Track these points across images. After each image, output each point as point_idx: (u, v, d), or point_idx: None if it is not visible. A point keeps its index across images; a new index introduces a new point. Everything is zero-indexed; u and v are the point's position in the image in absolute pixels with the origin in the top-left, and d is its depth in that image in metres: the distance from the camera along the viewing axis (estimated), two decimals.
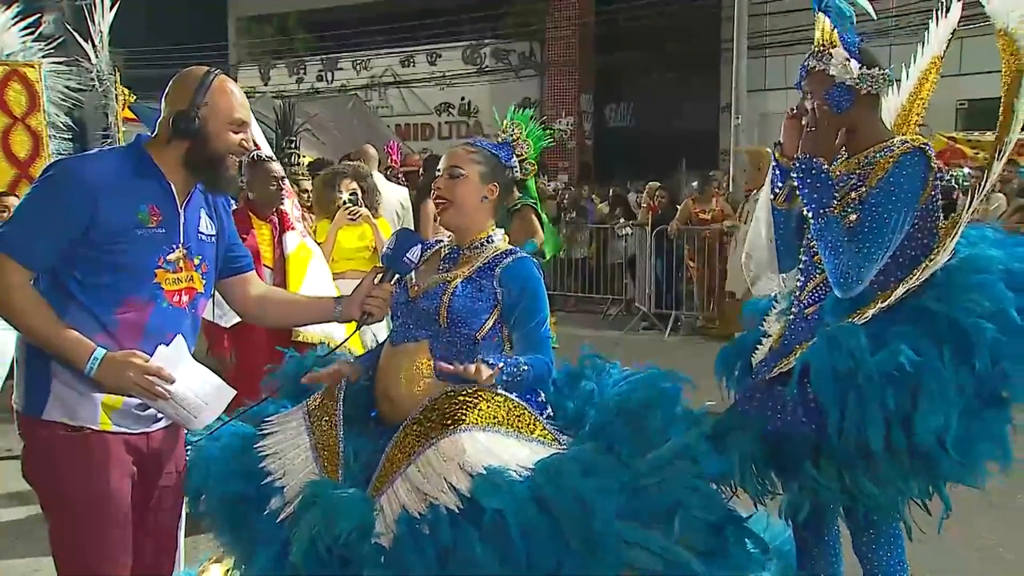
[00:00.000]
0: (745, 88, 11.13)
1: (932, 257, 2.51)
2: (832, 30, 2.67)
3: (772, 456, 2.59)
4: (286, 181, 4.58)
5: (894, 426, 2.37)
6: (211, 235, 2.51)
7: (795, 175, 2.63)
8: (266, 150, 4.72)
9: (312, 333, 4.19)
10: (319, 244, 4.81)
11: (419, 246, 2.56)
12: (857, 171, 2.64)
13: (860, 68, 2.63)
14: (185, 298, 2.41)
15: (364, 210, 5.07)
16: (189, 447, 2.62)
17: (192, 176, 2.42)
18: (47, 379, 2.28)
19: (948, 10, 2.98)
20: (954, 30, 2.94)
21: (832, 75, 2.63)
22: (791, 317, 2.79)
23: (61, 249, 2.24)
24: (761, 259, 3.02)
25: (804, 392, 2.51)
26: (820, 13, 2.73)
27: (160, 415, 2.40)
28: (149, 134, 2.45)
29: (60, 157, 2.43)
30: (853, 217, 2.58)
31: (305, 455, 2.43)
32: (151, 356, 2.28)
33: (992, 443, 2.45)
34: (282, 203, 4.47)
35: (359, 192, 5.16)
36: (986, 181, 2.62)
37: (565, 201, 13.31)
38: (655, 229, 10.63)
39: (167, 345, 2.33)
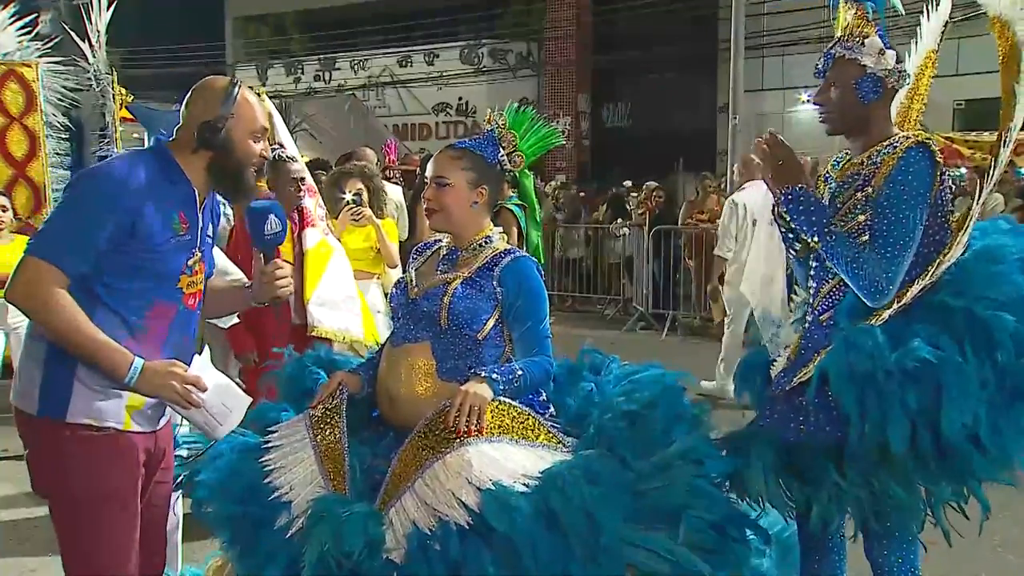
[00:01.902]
0: (742, 88, 11.11)
1: (946, 252, 2.49)
2: (868, 21, 2.64)
3: (796, 466, 2.52)
4: (306, 180, 4.58)
5: (919, 426, 2.33)
6: (212, 237, 2.55)
7: (783, 210, 2.59)
8: (291, 149, 4.71)
9: (329, 330, 4.24)
10: None
11: (272, 214, 2.53)
12: (862, 171, 2.61)
13: (895, 62, 2.61)
14: (196, 300, 2.46)
15: (367, 211, 5.07)
16: (178, 448, 2.64)
17: (214, 184, 2.45)
18: (69, 381, 2.28)
19: (938, 3, 2.95)
20: (947, 23, 2.90)
21: (864, 64, 2.60)
22: (807, 326, 2.73)
23: (99, 255, 2.23)
24: (773, 310, 2.98)
25: (825, 399, 2.48)
26: (851, 3, 2.68)
27: (163, 415, 2.45)
28: (158, 137, 2.46)
29: (96, 164, 2.43)
30: (862, 217, 2.55)
31: (311, 468, 2.42)
32: (171, 359, 2.32)
33: (1022, 437, 2.40)
34: (301, 201, 4.48)
35: (365, 193, 5.14)
36: (994, 169, 2.59)
37: (561, 201, 13.32)
38: (652, 229, 10.64)
39: (179, 347, 2.37)
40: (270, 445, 2.52)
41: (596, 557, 2.15)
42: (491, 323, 2.50)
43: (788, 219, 2.60)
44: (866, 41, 2.62)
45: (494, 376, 2.38)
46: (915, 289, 2.45)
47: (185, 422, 2.68)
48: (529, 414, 2.43)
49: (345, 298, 4.44)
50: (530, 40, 18.98)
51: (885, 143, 2.60)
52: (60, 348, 2.26)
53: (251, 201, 2.64)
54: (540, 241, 3.09)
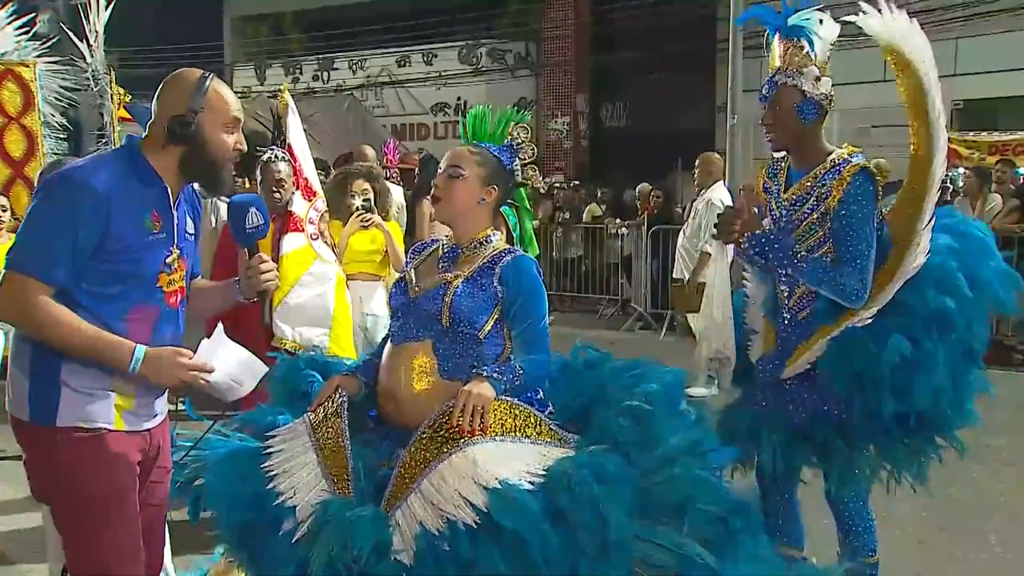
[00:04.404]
0: (741, 88, 11.09)
1: (912, 262, 2.92)
2: (805, 53, 3.05)
3: (808, 443, 3.04)
4: (290, 182, 4.55)
5: (900, 402, 2.86)
6: (192, 234, 2.53)
7: (753, 255, 3.06)
8: (299, 148, 4.60)
9: (291, 341, 4.23)
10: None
11: (253, 208, 2.55)
12: (813, 192, 3.03)
13: (829, 87, 3.04)
14: (178, 298, 2.44)
15: (376, 217, 5.04)
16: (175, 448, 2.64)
17: (188, 179, 2.43)
18: (56, 387, 2.28)
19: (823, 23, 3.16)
20: (833, 43, 3.15)
21: (804, 90, 3.02)
22: (785, 322, 3.15)
23: (77, 261, 2.22)
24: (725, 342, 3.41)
25: (820, 385, 2.99)
26: (784, 38, 3.09)
27: (156, 414, 2.47)
28: (139, 135, 2.45)
29: (63, 168, 2.40)
30: (820, 232, 3.00)
31: (314, 472, 2.41)
32: (168, 347, 2.34)
33: (973, 389, 3.02)
34: (281, 203, 4.45)
35: (372, 193, 5.10)
36: (931, 189, 2.97)
37: (560, 201, 13.31)
38: (651, 229, 10.63)
39: (167, 345, 2.37)
40: (271, 450, 2.51)
41: (605, 553, 2.16)
42: (492, 322, 2.51)
43: (760, 260, 3.06)
44: (804, 70, 3.03)
45: (495, 375, 2.39)
46: (889, 291, 2.92)
47: (183, 424, 2.68)
48: (531, 412, 2.44)
49: (315, 308, 4.36)
50: (528, 40, 18.96)
51: (829, 166, 3.02)
52: (45, 353, 2.26)
53: (230, 194, 2.64)
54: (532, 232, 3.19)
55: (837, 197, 2.93)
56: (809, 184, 3.04)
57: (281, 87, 5.06)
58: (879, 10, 2.98)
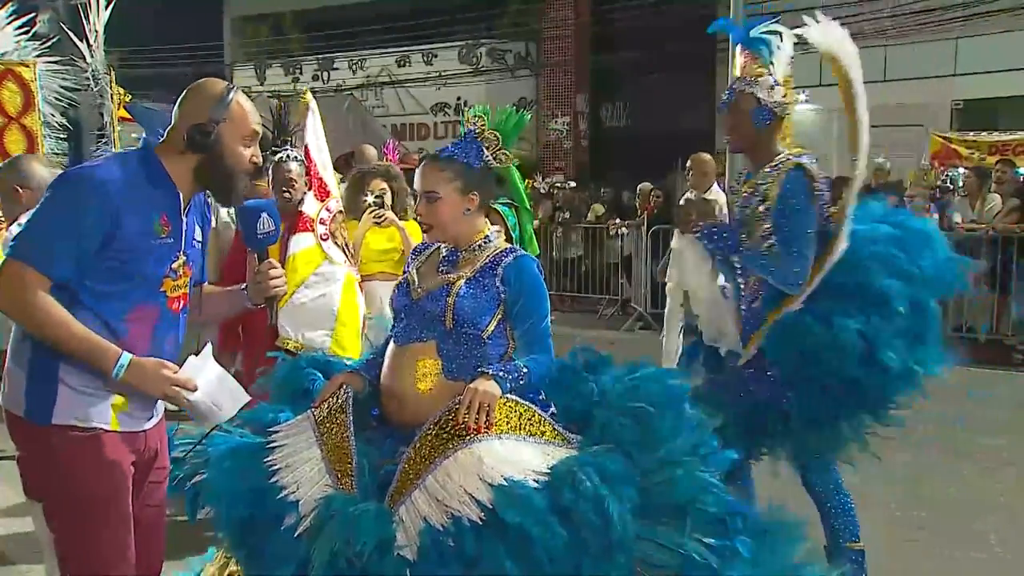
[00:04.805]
0: None
1: (834, 247, 3.20)
2: (763, 64, 3.37)
3: (753, 426, 3.27)
4: (302, 182, 4.53)
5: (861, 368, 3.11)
6: (200, 242, 2.53)
7: (704, 244, 3.40)
8: (315, 148, 4.56)
9: (293, 341, 4.21)
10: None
11: (264, 213, 2.54)
12: (758, 190, 3.35)
13: (783, 96, 3.36)
14: (181, 304, 2.44)
15: (389, 213, 4.99)
16: (172, 449, 2.63)
17: (202, 187, 2.44)
18: (53, 384, 2.28)
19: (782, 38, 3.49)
20: (792, 56, 3.49)
21: (759, 97, 3.34)
22: (741, 314, 3.45)
23: (80, 258, 2.22)
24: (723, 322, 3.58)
25: (765, 373, 3.28)
26: (747, 49, 3.43)
27: (152, 416, 2.46)
28: (153, 137, 2.44)
29: (79, 167, 2.41)
30: (766, 225, 3.29)
31: (317, 467, 2.41)
32: (153, 358, 2.32)
33: (926, 365, 3.25)
34: (291, 203, 4.44)
35: (388, 193, 5.06)
36: (856, 178, 3.25)
37: (560, 201, 13.32)
38: (651, 229, 10.64)
39: (163, 351, 2.37)
40: (274, 445, 2.51)
41: (608, 552, 2.17)
42: (495, 322, 2.51)
43: (712, 247, 3.40)
44: (760, 79, 3.36)
45: (501, 374, 2.40)
46: (820, 276, 3.21)
47: (186, 421, 2.67)
48: (535, 411, 2.44)
49: (318, 308, 4.33)
50: (528, 40, 18.96)
51: (773, 164, 3.33)
52: (44, 351, 2.26)
53: (242, 202, 2.63)
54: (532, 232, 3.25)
55: (776, 191, 3.27)
56: (756, 182, 3.39)
57: (304, 89, 5.03)
58: (817, 20, 3.26)
